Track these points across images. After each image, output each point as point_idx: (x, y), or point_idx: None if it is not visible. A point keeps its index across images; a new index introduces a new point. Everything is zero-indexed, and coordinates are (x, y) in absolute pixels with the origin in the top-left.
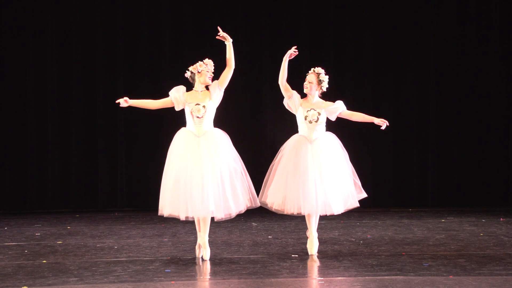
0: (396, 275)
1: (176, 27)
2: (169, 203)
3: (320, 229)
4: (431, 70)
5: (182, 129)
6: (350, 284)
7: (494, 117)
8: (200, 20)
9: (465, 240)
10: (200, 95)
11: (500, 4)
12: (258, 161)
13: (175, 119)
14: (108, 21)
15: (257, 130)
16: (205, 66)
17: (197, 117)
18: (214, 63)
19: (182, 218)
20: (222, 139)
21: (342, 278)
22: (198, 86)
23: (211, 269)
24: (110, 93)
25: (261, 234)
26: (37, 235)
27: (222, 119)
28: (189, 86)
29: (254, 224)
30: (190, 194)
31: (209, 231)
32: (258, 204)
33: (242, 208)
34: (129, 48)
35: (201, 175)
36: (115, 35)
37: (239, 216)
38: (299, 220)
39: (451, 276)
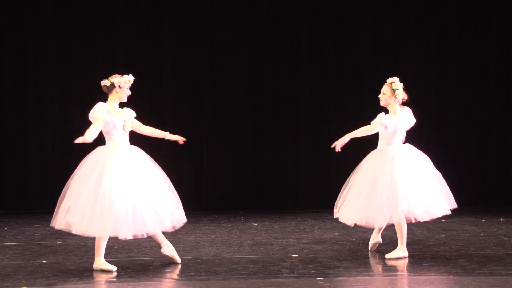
0: (396, 275)
1: (176, 28)
2: None
3: (320, 229)
4: (431, 69)
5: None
6: (350, 284)
7: (494, 117)
8: (201, 22)
9: (465, 240)
10: (118, 111)
11: (500, 3)
12: None
13: None
14: (108, 20)
15: None
16: (128, 84)
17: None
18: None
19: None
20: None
21: (342, 278)
22: (114, 100)
23: (211, 269)
24: None
25: (261, 234)
26: (37, 235)
27: None
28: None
29: (254, 224)
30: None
31: (209, 231)
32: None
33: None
34: (129, 47)
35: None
36: (116, 34)
37: (239, 216)
38: (299, 220)
39: (451, 276)
